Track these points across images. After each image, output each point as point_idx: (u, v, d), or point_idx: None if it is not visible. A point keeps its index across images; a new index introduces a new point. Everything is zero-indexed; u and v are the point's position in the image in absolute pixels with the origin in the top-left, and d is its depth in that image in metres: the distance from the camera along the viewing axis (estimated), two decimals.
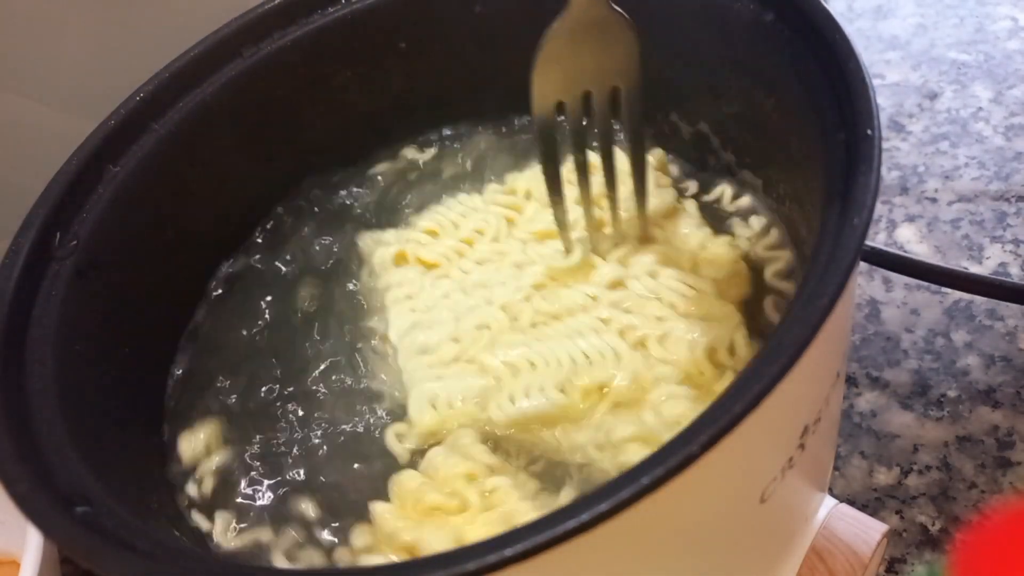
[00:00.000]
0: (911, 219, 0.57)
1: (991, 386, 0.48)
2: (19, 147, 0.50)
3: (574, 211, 0.39)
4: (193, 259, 0.42)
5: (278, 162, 0.45)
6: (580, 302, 0.38)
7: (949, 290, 0.52)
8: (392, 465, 0.35)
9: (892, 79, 0.66)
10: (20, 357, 0.32)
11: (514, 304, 0.38)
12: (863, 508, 0.44)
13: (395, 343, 0.39)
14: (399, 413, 0.37)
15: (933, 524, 0.44)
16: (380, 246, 0.42)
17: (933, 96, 0.64)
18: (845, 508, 0.39)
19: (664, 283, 0.38)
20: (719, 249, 0.39)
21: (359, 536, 0.34)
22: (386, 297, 0.40)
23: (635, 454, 0.33)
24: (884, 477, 0.46)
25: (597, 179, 0.39)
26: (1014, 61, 0.65)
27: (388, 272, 0.41)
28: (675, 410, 0.34)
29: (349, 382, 0.38)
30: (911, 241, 0.56)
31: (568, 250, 0.39)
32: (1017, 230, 0.55)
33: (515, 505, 0.32)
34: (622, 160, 0.39)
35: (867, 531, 0.38)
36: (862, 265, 0.52)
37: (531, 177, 0.43)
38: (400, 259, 0.42)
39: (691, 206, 0.41)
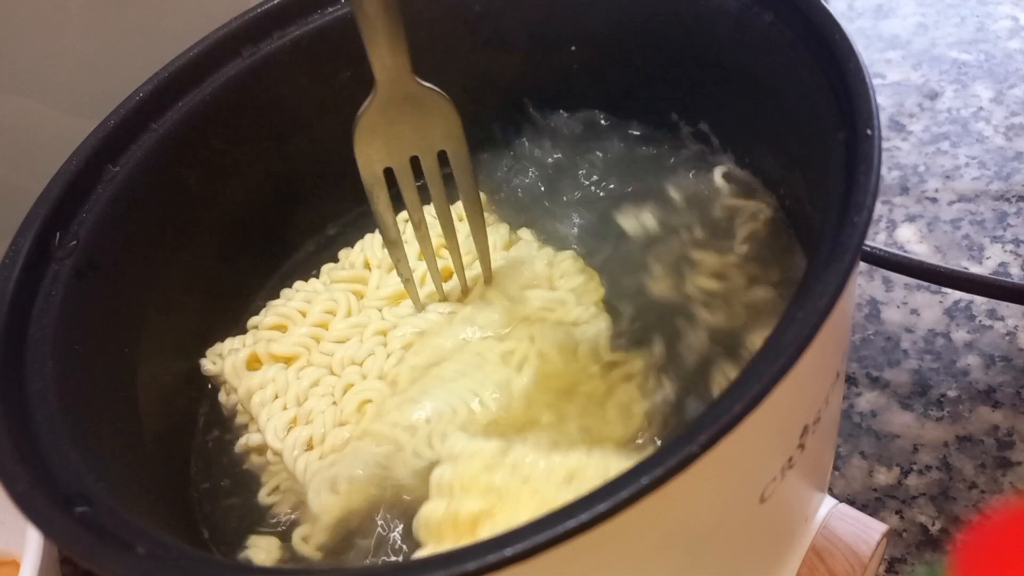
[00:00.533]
0: (911, 219, 0.57)
1: (991, 386, 0.48)
2: (19, 147, 0.50)
3: (419, 267, 0.40)
4: (192, 259, 0.42)
5: (277, 164, 0.45)
6: (453, 346, 0.38)
7: (949, 290, 0.52)
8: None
9: (892, 78, 0.66)
10: (20, 357, 0.32)
11: (389, 370, 0.38)
12: (863, 508, 0.44)
13: (277, 447, 0.37)
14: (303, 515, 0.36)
15: (933, 524, 0.44)
16: (228, 356, 0.40)
17: (934, 96, 0.64)
18: (845, 508, 0.39)
19: (529, 304, 0.39)
20: (566, 263, 0.40)
21: None
22: (251, 404, 0.38)
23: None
24: (884, 477, 0.46)
25: (436, 231, 0.40)
26: (1015, 61, 0.65)
27: (245, 379, 0.39)
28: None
29: (241, 502, 0.37)
30: (911, 241, 0.56)
31: (418, 305, 0.40)
32: (1018, 230, 0.55)
33: (548, 461, 0.31)
34: (456, 208, 0.40)
35: (867, 531, 0.38)
36: (862, 265, 0.52)
37: (363, 247, 0.43)
38: (254, 362, 0.40)
39: (526, 233, 0.43)
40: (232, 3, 0.43)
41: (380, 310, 0.41)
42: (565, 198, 0.43)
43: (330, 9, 0.43)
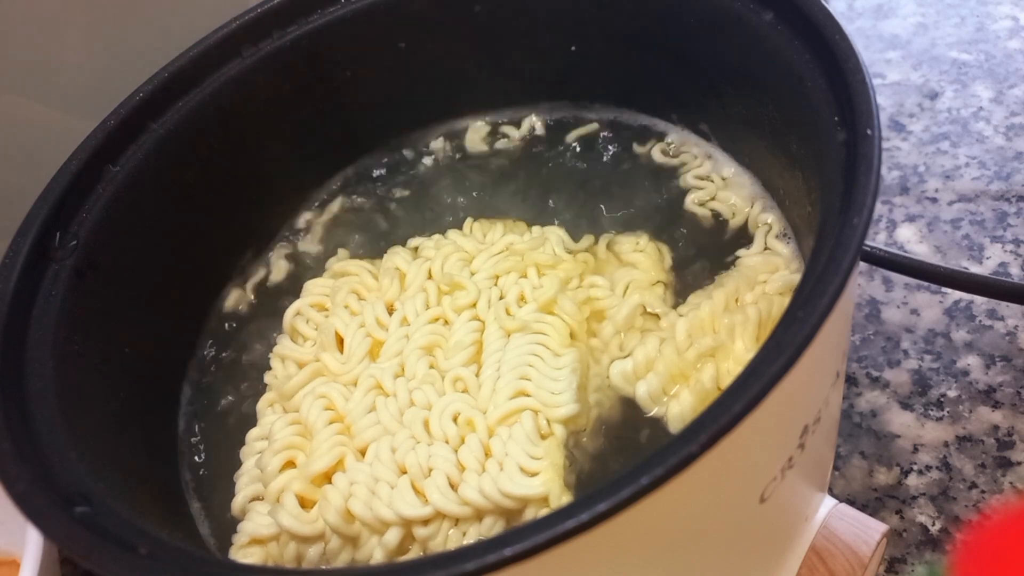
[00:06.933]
0: (911, 219, 0.57)
1: (991, 386, 0.48)
2: (19, 147, 0.50)
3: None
4: (193, 259, 0.42)
5: (277, 163, 0.45)
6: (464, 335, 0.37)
7: (949, 290, 0.52)
8: None
9: (892, 78, 0.66)
10: (20, 357, 0.32)
11: (443, 384, 0.36)
12: (863, 508, 0.44)
13: (453, 510, 0.33)
14: None
15: (933, 524, 0.44)
16: (281, 516, 0.34)
17: (934, 96, 0.64)
18: (845, 508, 0.39)
19: (498, 245, 0.41)
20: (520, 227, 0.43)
21: None
22: (360, 509, 0.34)
23: None
24: (884, 477, 0.46)
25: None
26: (1015, 60, 0.65)
27: (328, 506, 0.34)
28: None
29: None
30: (911, 241, 0.56)
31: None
32: (1018, 230, 0.55)
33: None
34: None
35: (867, 531, 0.38)
36: (862, 265, 0.52)
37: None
38: (304, 501, 0.35)
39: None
40: (232, 3, 0.43)
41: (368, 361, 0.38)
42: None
43: (330, 9, 0.43)
